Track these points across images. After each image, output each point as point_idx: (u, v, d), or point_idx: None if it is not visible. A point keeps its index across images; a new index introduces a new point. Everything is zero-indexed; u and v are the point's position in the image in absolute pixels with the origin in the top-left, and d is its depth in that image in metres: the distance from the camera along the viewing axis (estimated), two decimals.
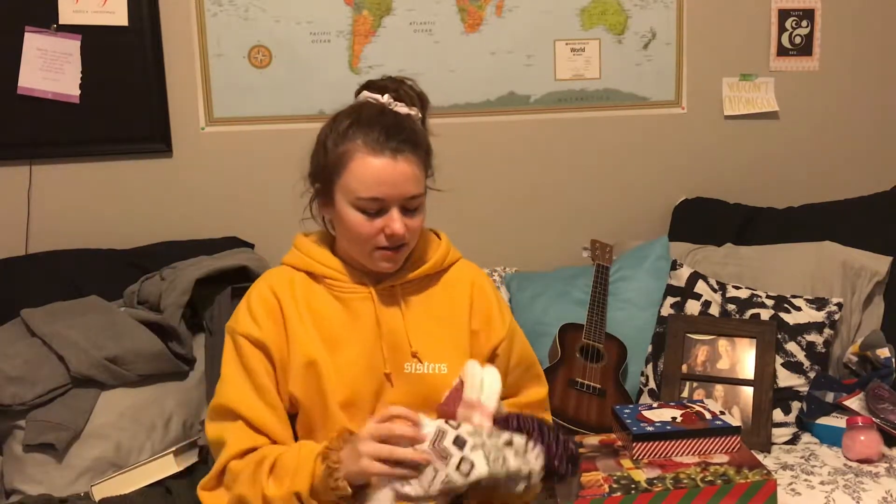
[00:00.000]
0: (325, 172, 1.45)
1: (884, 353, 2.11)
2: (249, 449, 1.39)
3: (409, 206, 1.42)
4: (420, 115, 1.51)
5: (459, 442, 1.23)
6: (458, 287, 1.55)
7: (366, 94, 1.49)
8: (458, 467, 1.22)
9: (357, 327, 1.46)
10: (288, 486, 1.30)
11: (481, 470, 1.22)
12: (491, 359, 1.52)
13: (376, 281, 1.49)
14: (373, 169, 1.39)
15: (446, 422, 1.28)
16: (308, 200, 1.52)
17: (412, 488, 1.24)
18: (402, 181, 1.39)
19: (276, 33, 2.43)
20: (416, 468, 1.24)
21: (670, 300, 2.29)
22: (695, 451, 1.69)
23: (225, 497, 1.39)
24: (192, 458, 1.86)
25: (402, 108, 1.47)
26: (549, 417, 1.55)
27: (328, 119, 1.48)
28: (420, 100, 1.52)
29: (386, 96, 1.47)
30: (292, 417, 1.46)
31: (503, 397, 1.48)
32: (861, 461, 1.89)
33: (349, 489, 1.25)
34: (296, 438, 1.46)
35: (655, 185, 2.68)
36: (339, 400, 1.42)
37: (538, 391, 1.59)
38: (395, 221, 1.40)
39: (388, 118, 1.43)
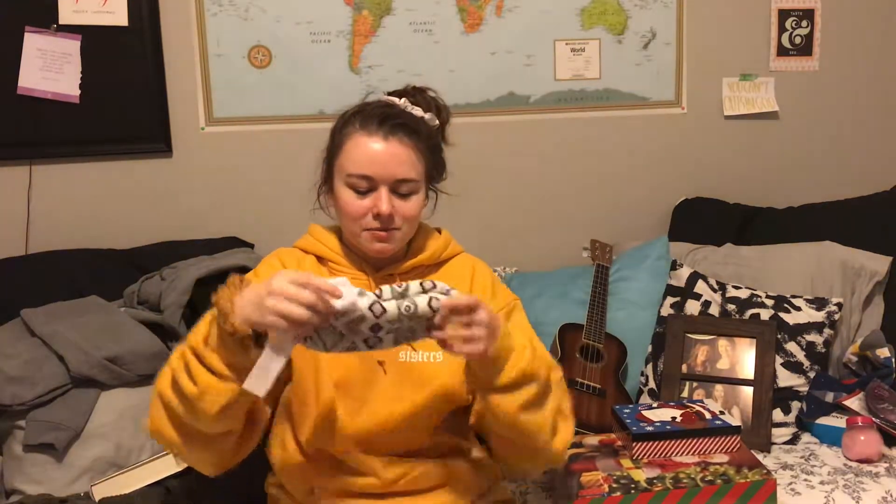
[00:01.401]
0: (328, 157, 1.51)
1: (884, 353, 2.11)
2: None
3: (401, 190, 1.45)
4: (436, 122, 1.55)
5: (375, 328, 1.23)
6: (457, 276, 1.56)
7: (384, 96, 1.55)
8: (365, 341, 1.24)
9: None
10: (185, 345, 1.28)
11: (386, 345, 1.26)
12: None
13: (376, 269, 1.52)
14: (363, 147, 1.43)
15: (372, 298, 1.23)
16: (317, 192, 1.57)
17: (312, 343, 1.23)
18: (393, 162, 1.43)
19: (276, 33, 2.43)
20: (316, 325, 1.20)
21: (670, 300, 2.29)
22: (694, 451, 1.69)
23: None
24: None
25: (416, 111, 1.52)
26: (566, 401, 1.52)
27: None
28: (438, 109, 1.56)
29: (403, 99, 1.52)
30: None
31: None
32: (861, 461, 1.89)
33: (248, 329, 1.20)
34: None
35: (655, 185, 2.68)
36: (335, 378, 1.44)
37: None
38: (383, 201, 1.42)
39: (394, 111, 1.48)
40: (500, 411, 1.34)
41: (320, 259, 1.54)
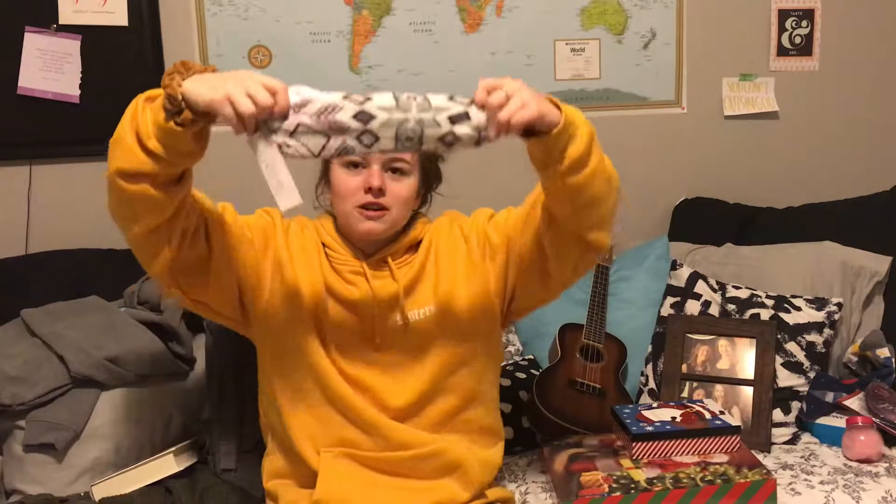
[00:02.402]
0: None
1: (884, 353, 2.11)
2: None
3: (393, 166, 1.51)
4: None
5: (363, 117, 1.22)
6: (441, 234, 1.62)
7: None
8: (358, 138, 1.24)
9: (353, 293, 1.54)
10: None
11: (386, 145, 1.24)
12: (494, 251, 1.60)
13: (367, 255, 1.57)
14: None
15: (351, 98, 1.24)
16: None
17: (294, 150, 1.25)
18: None
19: (276, 33, 2.43)
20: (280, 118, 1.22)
21: (670, 300, 2.29)
22: (694, 451, 1.69)
23: None
24: (192, 459, 1.86)
25: None
26: None
27: None
28: None
29: None
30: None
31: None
32: (861, 461, 1.89)
33: (180, 90, 1.21)
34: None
35: (655, 185, 2.68)
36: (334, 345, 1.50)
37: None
38: (374, 175, 1.48)
39: None
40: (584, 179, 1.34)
41: (324, 245, 1.59)
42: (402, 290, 1.54)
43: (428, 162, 1.59)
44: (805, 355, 2.15)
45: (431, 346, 1.55)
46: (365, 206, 1.49)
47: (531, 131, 1.27)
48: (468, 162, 2.48)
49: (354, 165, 1.50)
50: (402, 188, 1.52)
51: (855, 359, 2.18)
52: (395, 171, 1.51)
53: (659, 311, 2.29)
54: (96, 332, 1.92)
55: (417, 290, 1.57)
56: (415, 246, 1.61)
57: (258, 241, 1.54)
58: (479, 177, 2.58)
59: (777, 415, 2.08)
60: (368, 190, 1.48)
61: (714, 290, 2.27)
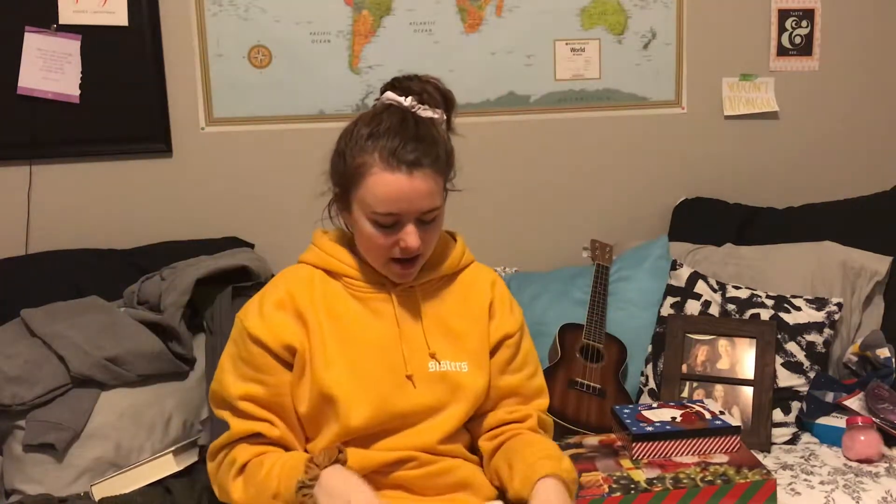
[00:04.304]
0: (342, 180, 1.45)
1: (884, 353, 2.11)
2: (246, 436, 1.43)
3: (426, 219, 1.42)
4: (444, 118, 1.50)
5: None
6: (476, 287, 1.56)
7: (389, 95, 1.47)
8: None
9: (377, 327, 1.47)
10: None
11: None
12: (496, 349, 1.53)
13: (394, 283, 1.49)
14: (388, 186, 1.38)
15: None
16: (328, 200, 1.51)
17: None
18: (417, 198, 1.39)
19: (276, 33, 2.43)
20: None
21: (670, 300, 2.29)
22: (694, 451, 1.69)
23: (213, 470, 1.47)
24: (192, 458, 1.86)
25: (425, 112, 1.46)
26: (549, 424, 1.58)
27: (350, 121, 1.46)
28: (445, 100, 1.50)
29: (409, 99, 1.46)
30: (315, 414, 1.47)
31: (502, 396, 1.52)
32: (861, 461, 1.89)
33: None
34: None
35: (655, 185, 2.68)
36: (364, 415, 1.42)
37: (543, 402, 1.59)
38: (410, 235, 1.40)
39: (408, 129, 1.41)
40: None
41: (330, 273, 1.50)
42: (426, 325, 1.50)
43: (447, 177, 1.48)
44: (805, 355, 2.15)
45: (471, 397, 1.49)
46: (397, 260, 1.43)
47: None
48: (469, 161, 2.47)
49: (385, 226, 1.41)
50: (434, 232, 1.45)
51: (855, 359, 2.18)
52: (427, 222, 1.43)
53: (659, 311, 2.29)
54: (96, 332, 1.92)
55: (451, 339, 1.51)
56: (448, 276, 1.55)
57: (291, 357, 1.47)
58: (479, 174, 2.59)
59: (777, 415, 2.08)
60: (404, 248, 1.41)
61: (714, 290, 2.27)
